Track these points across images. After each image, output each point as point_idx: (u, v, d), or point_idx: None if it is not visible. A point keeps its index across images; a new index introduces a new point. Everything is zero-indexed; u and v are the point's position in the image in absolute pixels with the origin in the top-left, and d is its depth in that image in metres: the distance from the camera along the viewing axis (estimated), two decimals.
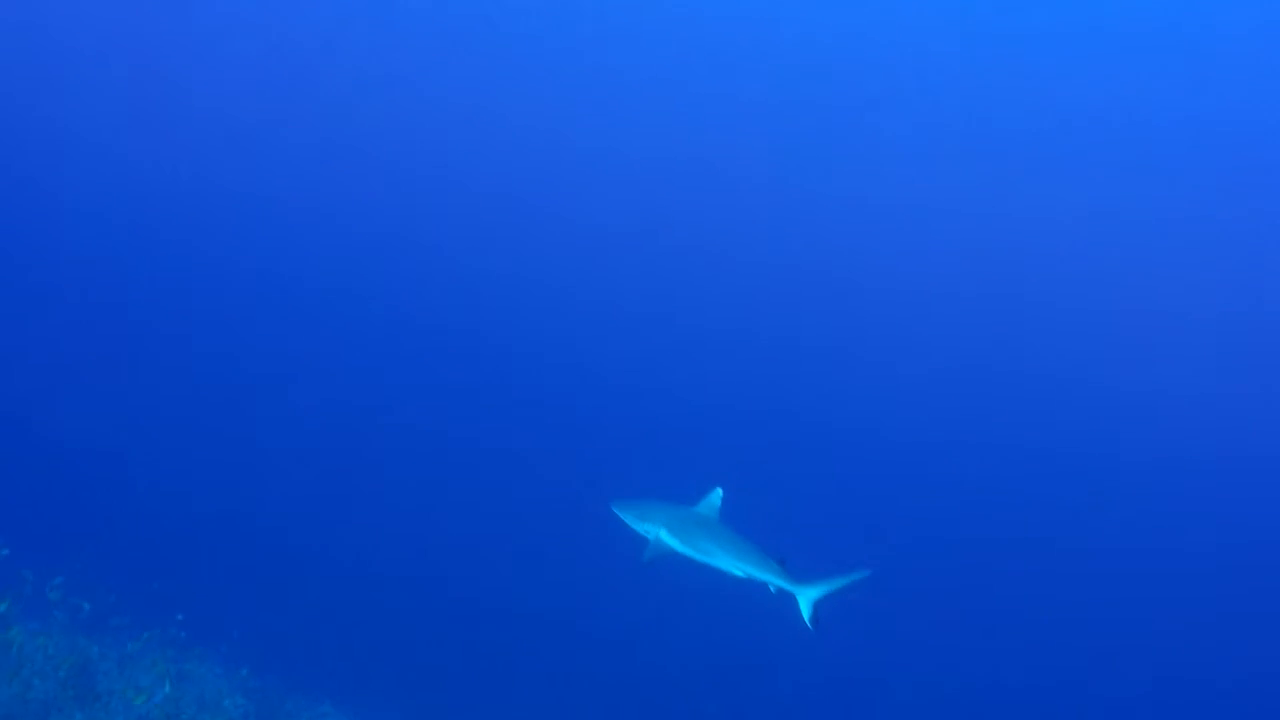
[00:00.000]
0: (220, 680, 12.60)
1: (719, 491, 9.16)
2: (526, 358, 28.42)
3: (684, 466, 11.91)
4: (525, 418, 23.86)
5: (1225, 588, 25.18)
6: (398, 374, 24.81)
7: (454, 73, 45.72)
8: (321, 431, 20.01)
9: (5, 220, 27.38)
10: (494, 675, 14.95)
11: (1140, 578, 24.71)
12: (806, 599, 8.41)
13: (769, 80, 45.32)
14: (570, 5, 46.29)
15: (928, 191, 44.31)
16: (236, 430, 18.99)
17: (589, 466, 18.63)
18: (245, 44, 42.31)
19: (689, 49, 46.27)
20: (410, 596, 15.66)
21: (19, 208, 28.62)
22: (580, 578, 16.05)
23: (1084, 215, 43.96)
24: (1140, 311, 41.26)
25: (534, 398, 25.59)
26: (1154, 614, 23.38)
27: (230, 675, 12.68)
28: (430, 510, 18.29)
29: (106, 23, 40.52)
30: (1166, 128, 43.22)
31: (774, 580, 8.49)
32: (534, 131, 44.88)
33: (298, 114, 41.39)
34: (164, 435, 17.92)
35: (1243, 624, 23.73)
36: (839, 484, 23.59)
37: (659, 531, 8.74)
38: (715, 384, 29.59)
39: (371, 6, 45.23)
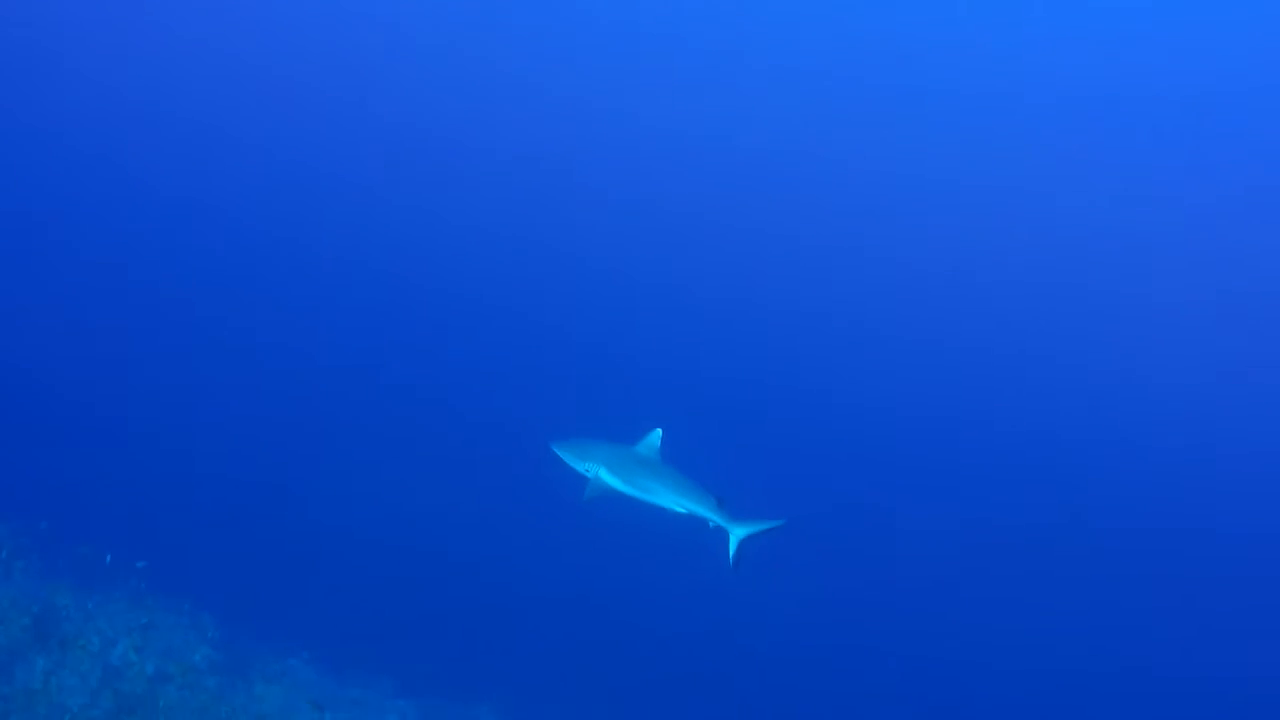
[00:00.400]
0: (187, 631, 12.69)
1: (658, 432, 9.21)
2: (480, 319, 28.90)
3: (626, 410, 12.04)
4: (481, 376, 24.14)
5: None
6: (355, 333, 24.97)
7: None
8: (292, 385, 19.99)
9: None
10: (464, 629, 15.08)
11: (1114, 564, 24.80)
12: (735, 537, 8.57)
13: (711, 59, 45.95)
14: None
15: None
16: (205, 383, 18.99)
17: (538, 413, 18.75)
18: (251, 45, 42.78)
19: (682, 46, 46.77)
20: (381, 550, 15.70)
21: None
22: (542, 531, 16.21)
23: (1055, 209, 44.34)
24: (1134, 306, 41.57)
25: (488, 358, 25.93)
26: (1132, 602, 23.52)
27: (196, 626, 12.76)
28: (402, 467, 18.25)
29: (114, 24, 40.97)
30: (1165, 123, 43.77)
31: (712, 516, 8.62)
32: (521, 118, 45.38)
33: (292, 108, 41.67)
34: (131, 387, 17.86)
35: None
36: (777, 431, 24.35)
37: (599, 470, 8.81)
38: (664, 338, 30.64)
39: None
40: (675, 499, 8.71)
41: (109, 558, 11.92)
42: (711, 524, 8.67)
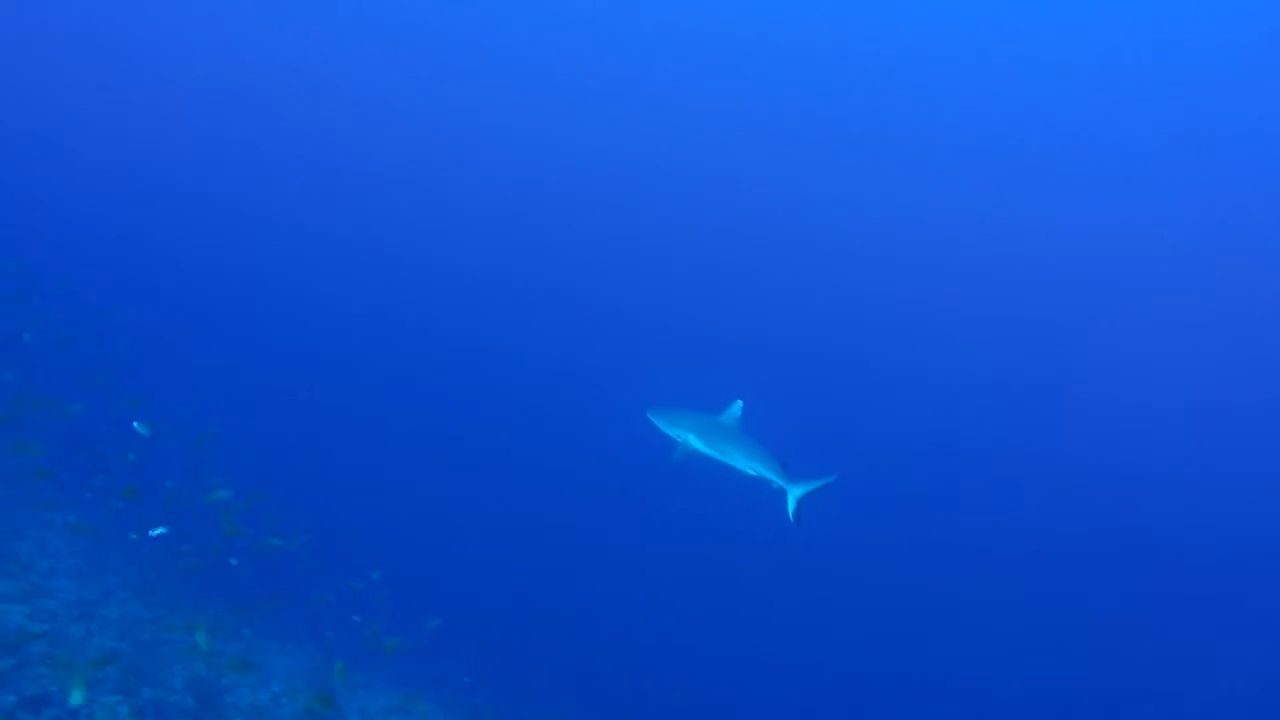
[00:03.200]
0: (439, 718, 14.19)
1: (739, 403, 10.06)
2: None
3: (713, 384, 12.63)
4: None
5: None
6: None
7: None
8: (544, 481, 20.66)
9: None
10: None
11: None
12: (793, 496, 9.05)
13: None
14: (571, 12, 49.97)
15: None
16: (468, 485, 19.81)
17: None
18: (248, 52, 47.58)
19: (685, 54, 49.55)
20: (622, 639, 16.28)
21: None
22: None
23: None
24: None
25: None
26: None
27: (448, 715, 14.25)
28: (628, 544, 18.76)
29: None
30: (1166, 136, 44.63)
31: (775, 479, 9.16)
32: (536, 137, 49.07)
33: (296, 122, 46.11)
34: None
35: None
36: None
37: (688, 435, 9.75)
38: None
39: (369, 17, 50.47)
40: (749, 463, 9.48)
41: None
42: (774, 485, 9.20)
